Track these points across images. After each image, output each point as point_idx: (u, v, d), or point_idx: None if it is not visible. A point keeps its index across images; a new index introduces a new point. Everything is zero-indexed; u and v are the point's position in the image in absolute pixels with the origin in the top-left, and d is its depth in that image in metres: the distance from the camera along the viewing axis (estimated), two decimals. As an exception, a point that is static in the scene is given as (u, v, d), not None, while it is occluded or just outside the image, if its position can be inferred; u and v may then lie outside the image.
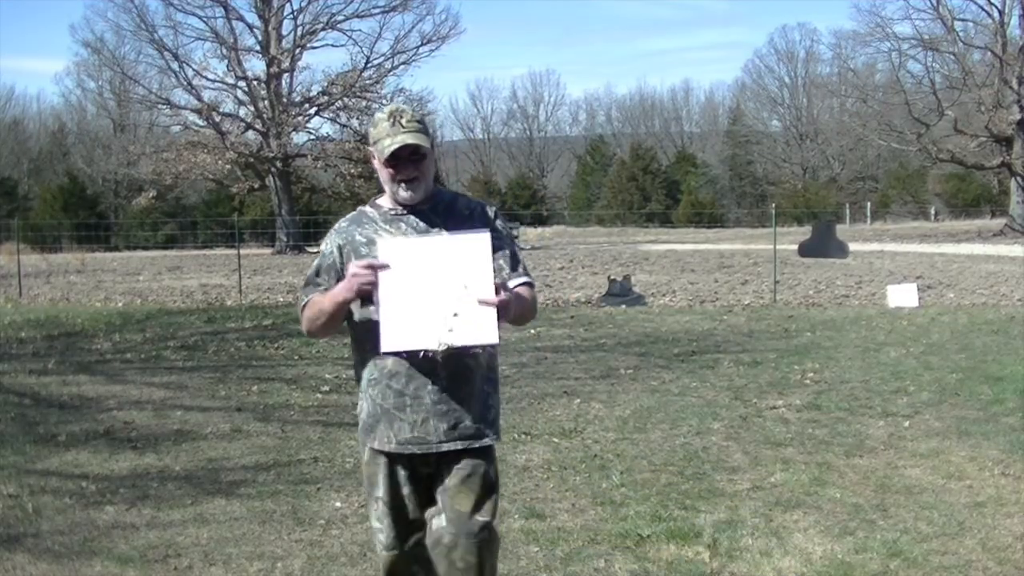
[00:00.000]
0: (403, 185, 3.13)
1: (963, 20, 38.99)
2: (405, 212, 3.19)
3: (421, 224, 3.17)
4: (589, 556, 4.67)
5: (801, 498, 5.52)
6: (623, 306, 15.41)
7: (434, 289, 2.93)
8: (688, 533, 4.91)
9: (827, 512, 5.27)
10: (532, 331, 12.21)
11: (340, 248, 3.21)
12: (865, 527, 5.02)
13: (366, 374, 3.21)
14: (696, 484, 5.81)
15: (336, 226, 3.30)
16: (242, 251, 21.22)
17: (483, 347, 3.04)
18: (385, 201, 3.23)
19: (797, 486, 5.74)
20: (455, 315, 2.90)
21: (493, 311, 2.92)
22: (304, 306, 3.22)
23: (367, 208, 3.28)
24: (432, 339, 2.92)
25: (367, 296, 3.01)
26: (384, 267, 2.96)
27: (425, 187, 3.16)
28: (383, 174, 3.16)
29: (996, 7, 37.83)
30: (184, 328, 13.35)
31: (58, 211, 43.13)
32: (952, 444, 6.66)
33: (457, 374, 3.12)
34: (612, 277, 17.58)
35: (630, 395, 8.50)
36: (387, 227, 3.17)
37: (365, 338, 3.15)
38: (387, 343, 2.95)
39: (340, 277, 3.13)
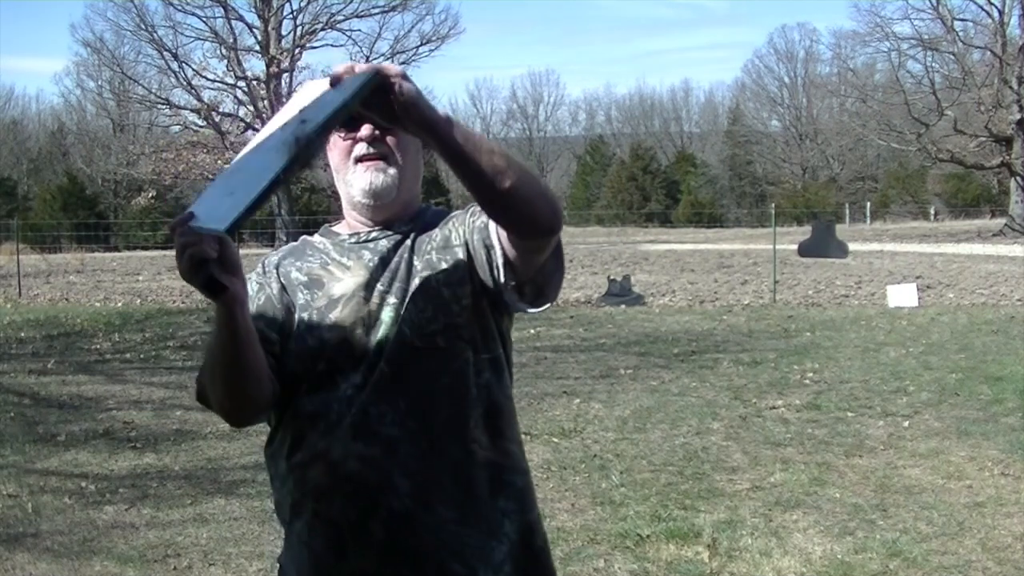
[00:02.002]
0: (362, 167, 1.91)
1: (963, 20, 39.01)
2: (371, 235, 1.95)
3: (392, 252, 1.92)
4: (589, 556, 4.67)
5: (801, 498, 5.52)
6: (623, 306, 15.41)
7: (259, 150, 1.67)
8: (688, 533, 4.91)
9: (827, 512, 5.27)
10: (532, 331, 12.21)
11: (262, 286, 1.98)
12: (865, 527, 5.03)
13: (284, 497, 1.94)
14: (696, 484, 5.81)
15: (261, 263, 2.07)
16: (242, 251, 20.97)
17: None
18: (343, 227, 2.02)
19: (797, 486, 5.74)
20: (302, 122, 1.61)
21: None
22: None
23: (315, 237, 2.06)
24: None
25: (217, 273, 1.67)
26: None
27: (400, 178, 1.91)
28: (338, 159, 1.98)
29: (996, 7, 37.83)
30: (184, 328, 13.34)
31: (57, 211, 43.07)
32: (952, 444, 6.66)
33: (439, 472, 1.79)
34: (612, 277, 17.57)
35: (630, 395, 8.50)
36: (342, 259, 1.95)
37: (286, 431, 1.89)
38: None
39: (283, 330, 1.90)
